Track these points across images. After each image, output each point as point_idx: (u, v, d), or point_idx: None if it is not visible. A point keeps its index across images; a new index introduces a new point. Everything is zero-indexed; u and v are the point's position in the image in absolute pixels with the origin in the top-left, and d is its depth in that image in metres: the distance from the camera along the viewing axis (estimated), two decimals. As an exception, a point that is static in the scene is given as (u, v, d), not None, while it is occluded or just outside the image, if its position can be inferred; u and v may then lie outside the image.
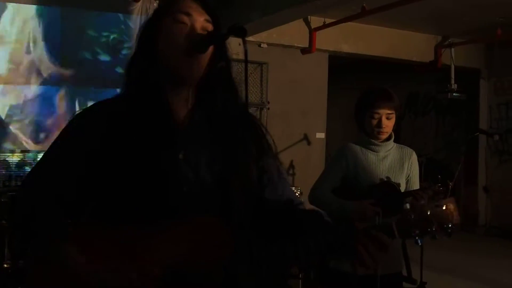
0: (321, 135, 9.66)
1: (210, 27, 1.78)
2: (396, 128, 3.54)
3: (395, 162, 3.51)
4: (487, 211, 11.11)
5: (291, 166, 9.12)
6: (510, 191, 10.66)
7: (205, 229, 1.63)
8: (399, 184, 3.44)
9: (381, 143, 3.49)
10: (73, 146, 1.76)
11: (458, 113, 11.81)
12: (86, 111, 1.84)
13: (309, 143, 9.51)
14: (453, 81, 10.14)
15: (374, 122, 3.42)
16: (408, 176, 3.53)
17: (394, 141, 3.56)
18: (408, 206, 1.72)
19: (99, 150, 1.71)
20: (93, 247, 1.64)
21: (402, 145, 3.61)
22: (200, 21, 1.77)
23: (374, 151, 3.49)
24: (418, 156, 3.69)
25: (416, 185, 3.55)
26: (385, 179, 3.41)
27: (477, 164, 11.17)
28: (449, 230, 1.69)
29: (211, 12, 1.82)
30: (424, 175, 3.25)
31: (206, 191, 1.74)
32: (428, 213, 1.70)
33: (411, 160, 3.56)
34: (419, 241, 1.73)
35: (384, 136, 3.48)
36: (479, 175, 11.17)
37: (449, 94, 10.03)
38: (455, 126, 12.00)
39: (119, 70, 7.44)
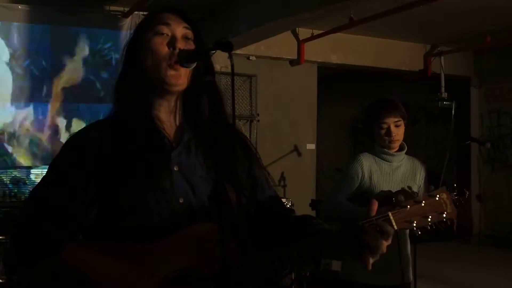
0: (311, 146, 9.66)
1: (190, 33, 1.84)
2: None
3: (407, 173, 3.59)
4: (481, 220, 11.08)
5: (282, 177, 9.10)
6: (503, 199, 10.67)
7: (206, 237, 1.67)
8: (416, 194, 3.46)
9: (394, 153, 3.54)
10: (71, 168, 1.76)
11: (449, 121, 11.81)
12: (82, 134, 1.84)
13: (299, 154, 9.49)
14: (443, 90, 10.16)
15: (383, 132, 3.49)
16: (420, 187, 3.58)
17: None
18: (402, 197, 1.79)
19: (96, 171, 1.72)
20: (97, 260, 1.65)
21: (411, 157, 3.67)
22: (179, 29, 1.83)
23: (387, 161, 3.55)
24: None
25: None
26: (407, 189, 3.45)
27: (469, 172, 11.17)
28: (445, 218, 1.78)
29: (189, 20, 1.88)
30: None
31: (202, 202, 1.78)
32: (423, 202, 1.77)
33: (421, 172, 3.64)
34: (418, 232, 1.80)
35: (397, 145, 3.54)
36: (472, 183, 11.14)
37: (439, 102, 10.04)
38: (446, 134, 12.00)
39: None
